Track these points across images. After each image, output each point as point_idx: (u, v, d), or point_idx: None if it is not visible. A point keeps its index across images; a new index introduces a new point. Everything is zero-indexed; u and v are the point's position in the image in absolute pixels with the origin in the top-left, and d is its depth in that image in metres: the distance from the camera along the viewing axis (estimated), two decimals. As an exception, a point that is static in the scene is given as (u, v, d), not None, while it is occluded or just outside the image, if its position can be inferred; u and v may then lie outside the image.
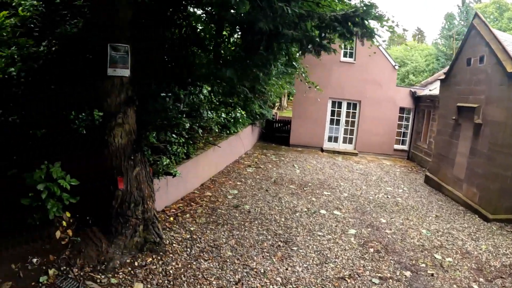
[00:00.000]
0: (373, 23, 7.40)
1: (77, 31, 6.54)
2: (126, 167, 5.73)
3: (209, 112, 8.48)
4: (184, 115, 7.04)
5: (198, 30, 9.18)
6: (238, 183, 10.90)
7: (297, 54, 10.40)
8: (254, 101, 12.63)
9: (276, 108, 30.61)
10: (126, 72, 5.73)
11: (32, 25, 8.24)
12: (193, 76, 7.02)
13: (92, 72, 5.74)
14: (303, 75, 12.60)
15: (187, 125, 7.27)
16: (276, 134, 20.96)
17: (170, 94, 6.45)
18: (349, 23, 6.61)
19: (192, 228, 7.42)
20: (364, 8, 6.53)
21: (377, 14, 7.07)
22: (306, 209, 9.32)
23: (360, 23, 6.57)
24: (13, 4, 8.86)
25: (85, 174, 5.67)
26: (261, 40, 6.82)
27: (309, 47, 7.15)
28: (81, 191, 5.62)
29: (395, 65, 18.57)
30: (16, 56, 7.26)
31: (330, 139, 19.16)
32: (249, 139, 16.31)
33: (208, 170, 10.74)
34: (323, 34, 7.17)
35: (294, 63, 11.17)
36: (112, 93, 5.62)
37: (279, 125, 22.04)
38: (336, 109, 18.93)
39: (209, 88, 7.37)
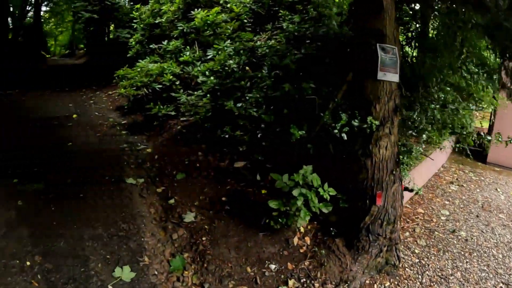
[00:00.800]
0: None
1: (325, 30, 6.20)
2: (387, 182, 5.16)
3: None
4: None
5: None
6: (446, 202, 9.87)
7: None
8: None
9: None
10: (396, 77, 5.15)
11: (245, 21, 8.36)
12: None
13: (359, 75, 5.27)
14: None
15: (424, 137, 6.55)
16: (468, 146, 18.76)
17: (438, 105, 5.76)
18: None
19: (416, 251, 6.72)
20: None
21: None
22: (521, 248, 7.98)
23: None
24: (220, 2, 9.17)
25: (335, 182, 5.27)
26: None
27: None
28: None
29: None
30: (241, 50, 7.35)
31: (533, 162, 16.14)
32: (446, 150, 14.88)
33: (417, 183, 9.88)
34: None
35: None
36: (382, 100, 5.09)
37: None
38: (544, 126, 15.83)
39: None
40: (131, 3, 17.90)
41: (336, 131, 5.03)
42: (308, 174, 4.95)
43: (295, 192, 4.76)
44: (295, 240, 5.22)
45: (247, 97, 5.80)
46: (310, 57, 5.59)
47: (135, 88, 8.25)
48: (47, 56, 23.51)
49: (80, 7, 16.54)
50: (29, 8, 24.43)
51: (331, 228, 5.38)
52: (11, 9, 23.81)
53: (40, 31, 25.03)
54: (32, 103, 10.70)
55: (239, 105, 5.67)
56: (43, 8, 27.36)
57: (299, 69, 5.55)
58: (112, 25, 18.55)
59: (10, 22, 24.41)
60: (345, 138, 5.03)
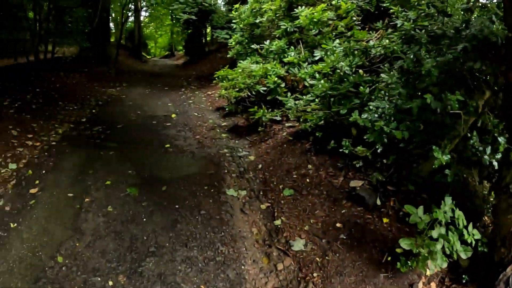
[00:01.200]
0: None
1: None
2: (536, 224, 4.06)
3: None
4: None
5: None
6: None
7: None
8: None
9: None
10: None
11: (354, 18, 7.72)
12: None
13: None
14: None
15: None
16: None
17: None
18: None
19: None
20: None
21: None
22: None
23: None
24: (324, -1, 8.43)
25: (469, 219, 4.23)
26: None
27: None
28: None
29: None
30: (355, 51, 6.59)
31: None
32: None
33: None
34: None
35: None
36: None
37: None
38: None
39: None
40: (226, 5, 17.98)
41: (486, 156, 4.03)
42: (448, 210, 3.98)
43: (434, 234, 3.78)
44: (420, 285, 4.25)
45: (370, 107, 4.92)
46: (454, 62, 4.56)
47: (237, 89, 7.84)
48: (148, 57, 24.62)
49: (178, 9, 16.96)
50: (130, 14, 25.82)
51: (463, 275, 4.33)
52: (113, 14, 25.30)
53: (140, 34, 26.39)
54: (132, 101, 10.80)
55: (364, 116, 4.81)
56: (143, 13, 28.86)
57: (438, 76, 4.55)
58: (209, 27, 18.78)
59: (112, 26, 26.11)
60: (496, 167, 4.01)
